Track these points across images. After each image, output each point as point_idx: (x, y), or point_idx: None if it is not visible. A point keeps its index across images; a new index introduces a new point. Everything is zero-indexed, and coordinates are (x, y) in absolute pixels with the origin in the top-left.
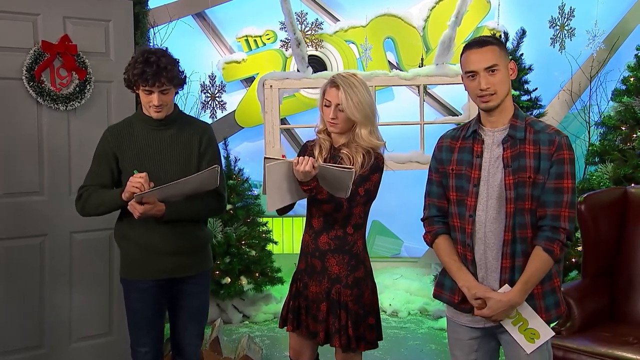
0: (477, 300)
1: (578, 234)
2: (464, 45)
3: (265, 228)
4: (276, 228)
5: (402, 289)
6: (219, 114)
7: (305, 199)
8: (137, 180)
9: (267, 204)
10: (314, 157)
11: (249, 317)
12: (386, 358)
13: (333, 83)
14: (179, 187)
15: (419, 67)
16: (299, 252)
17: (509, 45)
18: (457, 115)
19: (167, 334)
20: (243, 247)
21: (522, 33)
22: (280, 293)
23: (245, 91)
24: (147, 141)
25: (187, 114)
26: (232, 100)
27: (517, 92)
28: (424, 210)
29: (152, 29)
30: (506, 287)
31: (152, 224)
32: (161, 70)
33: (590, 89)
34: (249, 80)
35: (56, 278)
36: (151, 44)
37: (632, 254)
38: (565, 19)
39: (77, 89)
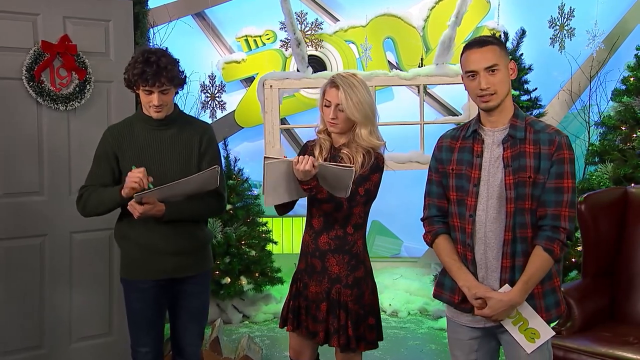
0: (478, 300)
1: (578, 234)
2: (464, 45)
3: (265, 228)
4: (276, 228)
5: (402, 289)
6: (219, 114)
7: (306, 199)
8: (136, 175)
9: (265, 201)
10: (314, 157)
11: (249, 317)
12: (386, 358)
13: (333, 83)
14: (179, 188)
15: (419, 67)
16: (298, 252)
17: (509, 45)
18: (457, 115)
19: (167, 334)
20: (243, 247)
21: (522, 33)
22: (280, 293)
23: (245, 91)
24: (148, 141)
25: (187, 113)
26: (232, 100)
27: (517, 92)
28: (423, 210)
29: (152, 29)
30: (506, 286)
31: (152, 224)
32: (161, 70)
33: (590, 89)
34: (249, 80)
35: (56, 278)
36: (151, 44)
37: (632, 254)
38: (565, 19)
39: (77, 89)
